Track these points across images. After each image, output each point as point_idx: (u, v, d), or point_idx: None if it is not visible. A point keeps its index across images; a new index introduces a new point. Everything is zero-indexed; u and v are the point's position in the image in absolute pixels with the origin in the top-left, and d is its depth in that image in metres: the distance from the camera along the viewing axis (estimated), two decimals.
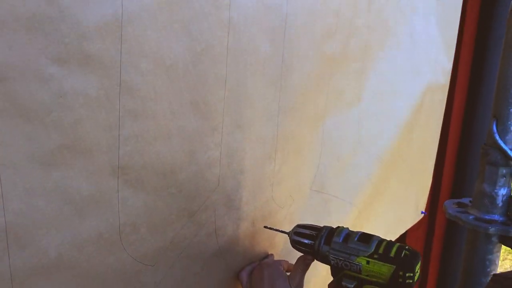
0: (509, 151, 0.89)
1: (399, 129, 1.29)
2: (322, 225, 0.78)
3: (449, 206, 0.98)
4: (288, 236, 0.81)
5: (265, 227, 0.83)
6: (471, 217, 0.92)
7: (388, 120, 1.22)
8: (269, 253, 0.87)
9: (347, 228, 0.77)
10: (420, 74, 1.31)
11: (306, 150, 0.94)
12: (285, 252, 0.92)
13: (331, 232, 0.76)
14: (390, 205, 1.39)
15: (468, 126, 2.01)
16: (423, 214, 1.80)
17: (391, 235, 1.46)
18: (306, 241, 0.77)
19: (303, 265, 0.80)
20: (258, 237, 0.85)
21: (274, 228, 0.83)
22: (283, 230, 0.83)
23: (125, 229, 0.60)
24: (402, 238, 1.75)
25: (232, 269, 0.82)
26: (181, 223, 0.68)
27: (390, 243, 0.72)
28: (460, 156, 2.08)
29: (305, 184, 0.97)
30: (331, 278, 0.76)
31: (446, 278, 2.50)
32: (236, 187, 0.76)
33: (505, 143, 0.91)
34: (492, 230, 0.87)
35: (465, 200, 1.00)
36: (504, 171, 0.90)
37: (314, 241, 0.76)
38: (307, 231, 0.78)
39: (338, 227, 0.77)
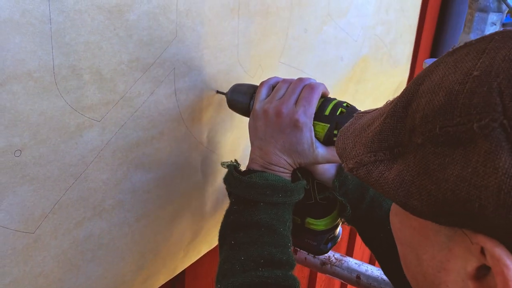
0: None
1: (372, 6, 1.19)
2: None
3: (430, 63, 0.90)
4: (226, 96, 0.74)
5: (217, 92, 0.75)
6: None
7: None
8: None
9: None
10: None
11: (274, 14, 0.83)
12: None
13: None
14: (363, 92, 1.33)
15: None
16: None
17: None
18: (242, 100, 0.71)
19: None
20: (224, 104, 0.77)
21: (220, 91, 0.75)
22: (221, 91, 0.75)
23: (61, 72, 0.50)
24: None
25: (196, 139, 0.75)
26: (134, 76, 0.59)
27: (326, 101, 0.65)
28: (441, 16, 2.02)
29: (274, 54, 0.88)
30: None
31: None
32: (196, 42, 0.66)
33: None
34: None
35: None
36: (494, 17, 0.81)
37: (250, 100, 0.70)
38: (244, 91, 0.71)
39: None
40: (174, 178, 0.73)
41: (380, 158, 0.37)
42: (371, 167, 0.37)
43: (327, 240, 0.76)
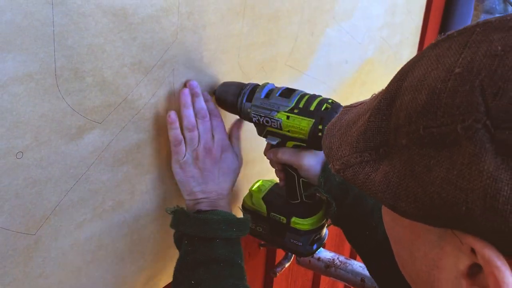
0: None
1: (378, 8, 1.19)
2: (247, 82, 0.73)
3: None
4: (214, 94, 0.75)
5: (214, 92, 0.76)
6: None
7: None
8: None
9: (273, 84, 0.72)
10: None
11: (284, 18, 0.83)
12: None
13: (254, 88, 0.71)
14: (368, 95, 1.33)
15: None
16: None
17: None
18: (230, 98, 0.72)
19: (234, 127, 0.76)
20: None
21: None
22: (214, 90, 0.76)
23: (63, 74, 0.50)
24: None
25: None
26: (136, 78, 0.60)
27: (312, 97, 0.67)
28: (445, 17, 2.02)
29: (281, 57, 0.88)
30: None
31: None
32: (197, 44, 0.67)
33: None
34: None
35: None
36: None
37: (237, 98, 0.71)
38: (232, 88, 0.72)
39: (264, 83, 0.72)
40: (171, 179, 0.73)
41: (366, 158, 0.36)
42: (357, 168, 0.36)
43: (313, 241, 0.77)
